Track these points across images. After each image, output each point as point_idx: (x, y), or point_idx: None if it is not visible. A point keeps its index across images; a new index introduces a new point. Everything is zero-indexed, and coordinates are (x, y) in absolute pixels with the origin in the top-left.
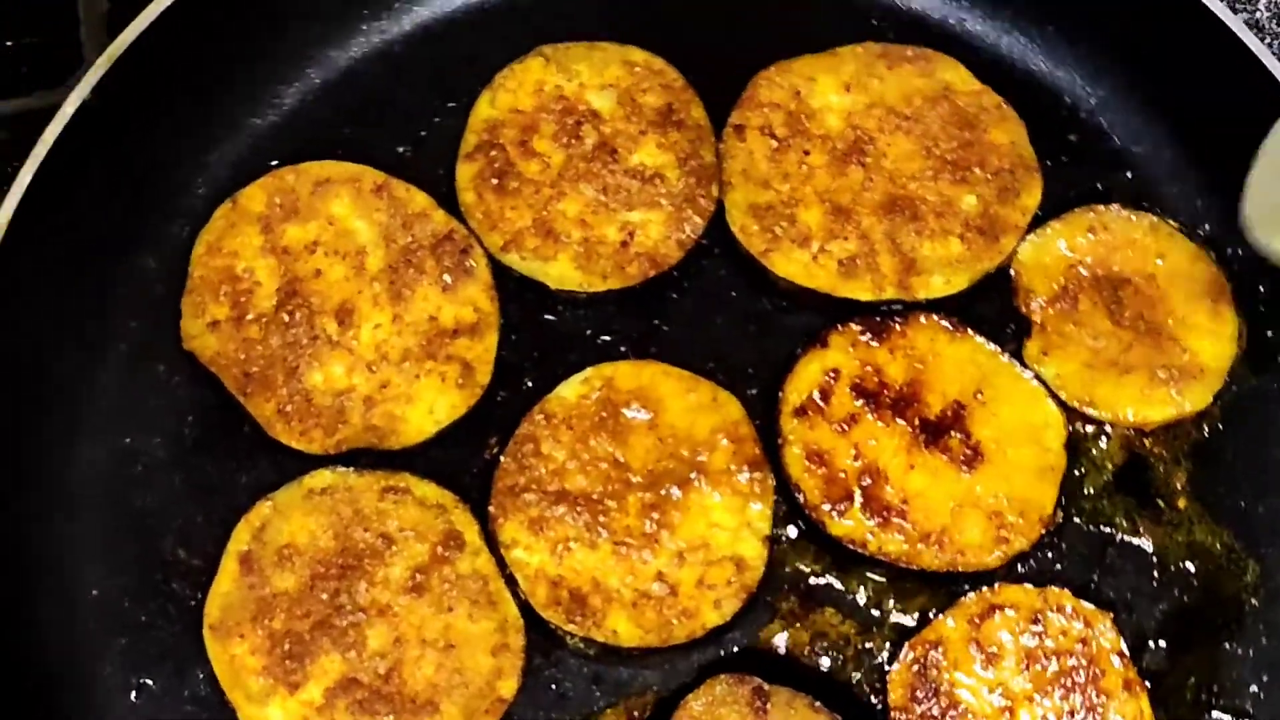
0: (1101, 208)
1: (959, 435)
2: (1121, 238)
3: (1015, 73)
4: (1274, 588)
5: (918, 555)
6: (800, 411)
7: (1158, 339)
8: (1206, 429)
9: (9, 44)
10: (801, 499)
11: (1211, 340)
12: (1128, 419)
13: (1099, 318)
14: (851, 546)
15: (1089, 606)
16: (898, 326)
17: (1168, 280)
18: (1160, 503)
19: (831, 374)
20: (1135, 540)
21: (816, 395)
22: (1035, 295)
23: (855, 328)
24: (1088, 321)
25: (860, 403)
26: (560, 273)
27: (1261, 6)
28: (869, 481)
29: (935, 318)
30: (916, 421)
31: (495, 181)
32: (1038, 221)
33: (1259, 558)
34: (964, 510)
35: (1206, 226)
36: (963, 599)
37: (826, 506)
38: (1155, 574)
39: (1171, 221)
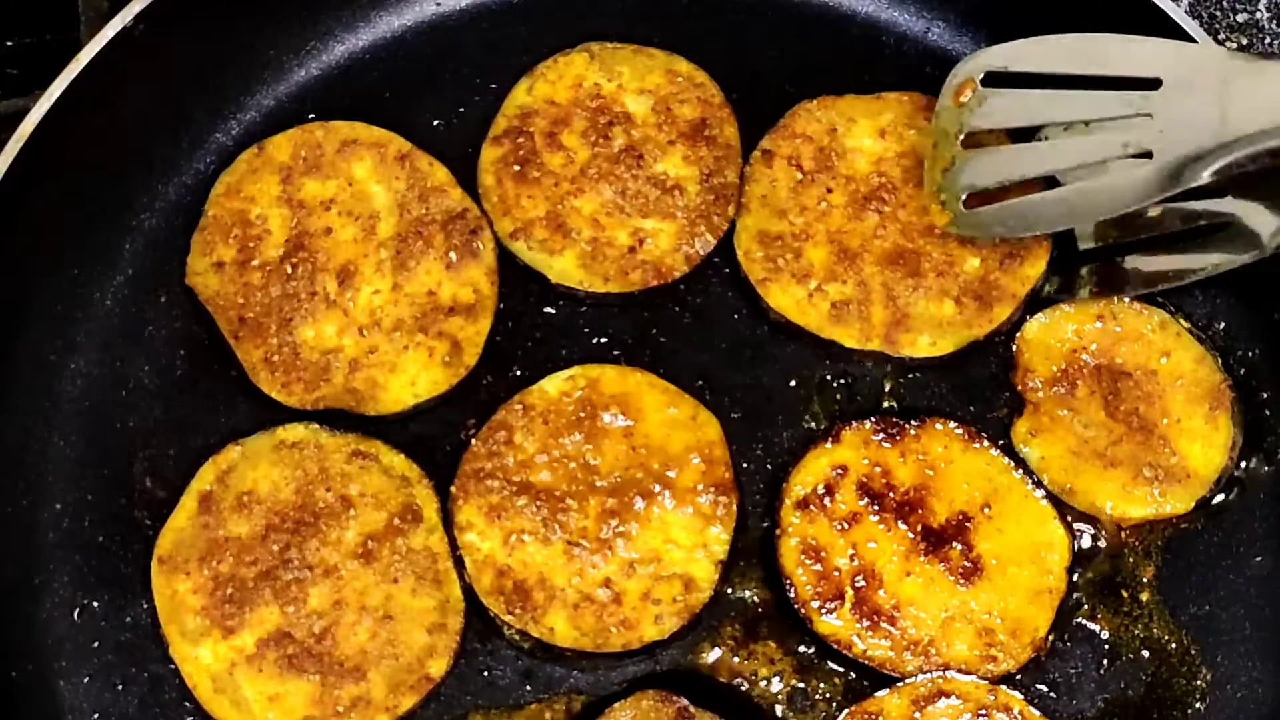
0: (1114, 298)
1: (960, 547)
2: (1130, 330)
3: None
4: (1222, 697)
5: (902, 663)
6: (803, 504)
7: (1149, 437)
8: (1184, 529)
9: (9, 44)
10: (792, 593)
11: (1203, 446)
12: (1106, 512)
13: (1094, 407)
14: (836, 646)
15: (1036, 714)
16: (912, 430)
17: (1169, 380)
18: (1123, 593)
19: (839, 470)
20: (1090, 625)
21: (821, 490)
22: (1034, 375)
23: (869, 426)
24: (1082, 409)
25: (864, 503)
26: (563, 268)
27: (1262, 7)
28: (863, 583)
29: (951, 425)
30: (919, 528)
31: (517, 168)
32: (1051, 301)
33: (1213, 665)
34: (955, 623)
35: (1222, 326)
36: (913, 679)
37: (816, 604)
38: (1104, 662)
39: (1183, 321)
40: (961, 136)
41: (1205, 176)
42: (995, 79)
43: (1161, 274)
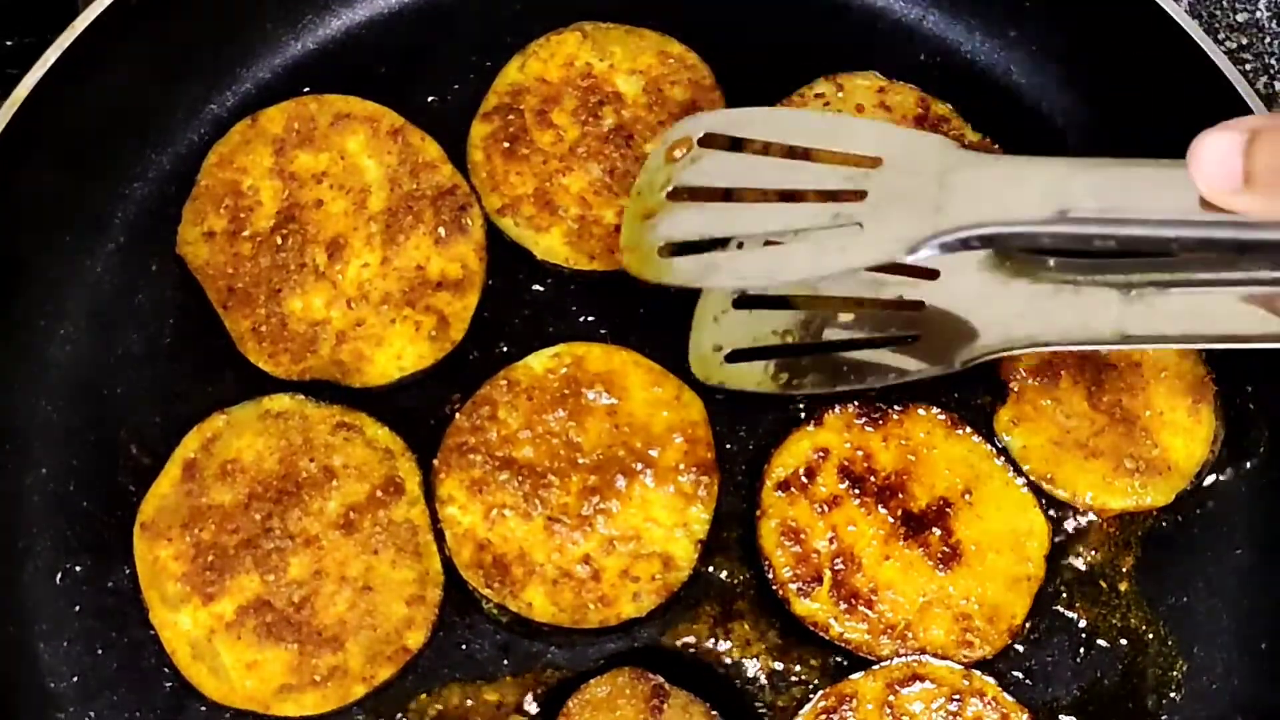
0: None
1: (940, 532)
2: None
3: (1054, 132)
4: (1198, 688)
5: (878, 646)
6: (783, 486)
7: (1130, 429)
8: (1164, 520)
9: (9, 43)
10: (770, 574)
11: (1185, 439)
12: (1086, 502)
13: (1077, 398)
14: (813, 628)
15: (1010, 699)
16: (894, 415)
17: (1152, 372)
18: (1102, 582)
19: (820, 453)
20: (1068, 613)
21: (802, 472)
22: (1018, 364)
23: (852, 410)
24: (1065, 399)
25: (845, 486)
26: (549, 245)
27: (1262, 6)
28: (842, 565)
29: (934, 411)
30: (899, 512)
31: (506, 145)
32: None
33: (1189, 656)
34: (932, 608)
35: None
36: (889, 662)
37: (794, 585)
38: (1081, 650)
39: None
40: (667, 190)
41: (910, 256)
42: (713, 141)
43: (868, 366)
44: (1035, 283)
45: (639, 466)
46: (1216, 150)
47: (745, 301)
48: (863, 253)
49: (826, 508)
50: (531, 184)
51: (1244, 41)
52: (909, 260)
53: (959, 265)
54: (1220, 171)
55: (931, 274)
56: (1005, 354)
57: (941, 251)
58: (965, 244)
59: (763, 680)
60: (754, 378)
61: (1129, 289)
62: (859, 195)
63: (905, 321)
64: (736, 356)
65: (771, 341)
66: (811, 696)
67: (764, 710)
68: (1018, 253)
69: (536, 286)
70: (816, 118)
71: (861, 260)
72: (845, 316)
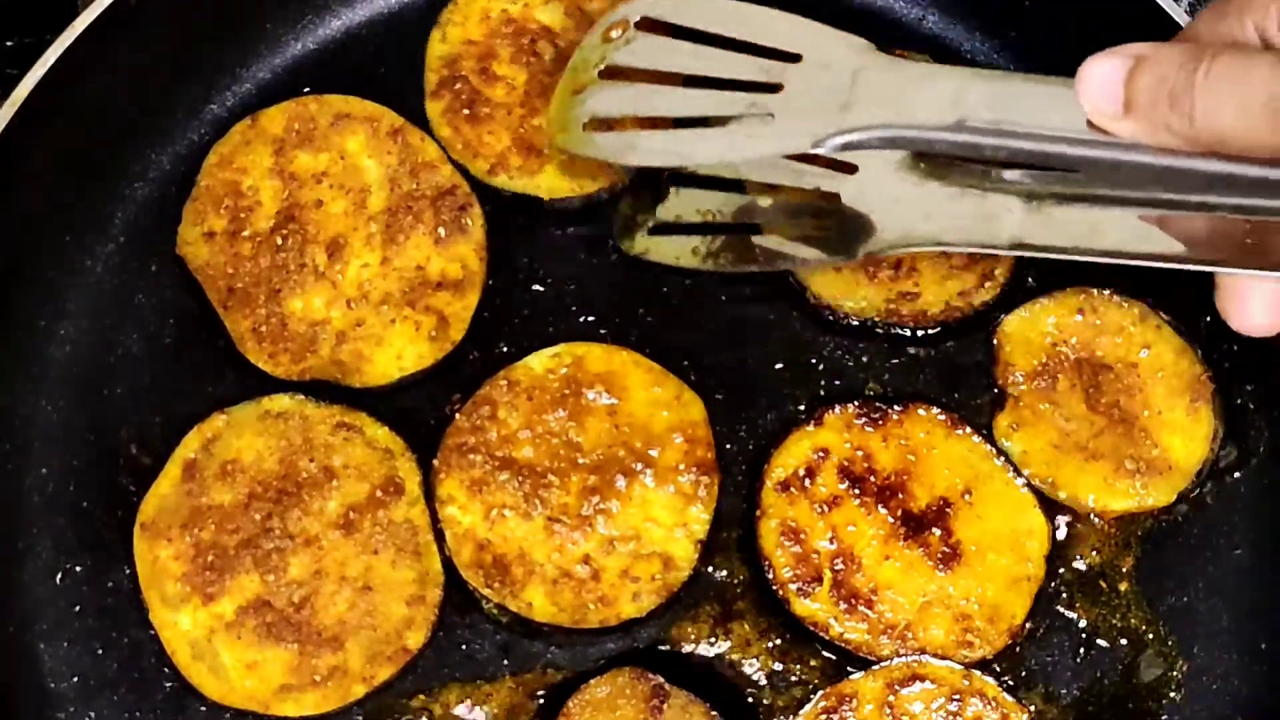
0: (1094, 291)
1: (940, 532)
2: (1110, 323)
3: None
4: (1198, 688)
5: (878, 646)
6: (783, 486)
7: (1130, 429)
8: (1164, 520)
9: (9, 44)
10: (770, 574)
11: (1184, 439)
12: (1088, 504)
13: (1075, 400)
14: (813, 628)
15: (1010, 699)
16: (894, 415)
17: (1149, 372)
18: (1102, 582)
19: (820, 453)
20: (1068, 613)
21: (802, 472)
22: (1015, 369)
23: (851, 410)
24: (1063, 402)
25: (845, 486)
26: (551, 185)
27: None
28: (841, 566)
29: (934, 411)
30: (899, 512)
31: (466, 112)
32: (1032, 293)
33: (1189, 656)
34: (932, 608)
35: (1208, 319)
36: (889, 663)
37: (794, 585)
38: (1081, 650)
39: (1163, 314)
40: (601, 68)
41: (815, 149)
42: (649, 26)
43: (776, 252)
44: (946, 185)
45: (639, 466)
46: (1100, 75)
47: (674, 180)
48: (769, 142)
49: (826, 508)
50: (506, 137)
51: None
52: (816, 152)
53: (877, 163)
54: (1102, 95)
55: (850, 168)
56: (905, 251)
57: (844, 149)
58: (867, 143)
59: (763, 680)
60: (673, 251)
61: (1032, 199)
62: (776, 87)
63: (819, 212)
64: (659, 229)
65: (696, 220)
66: (811, 696)
67: (764, 710)
68: (929, 155)
69: (536, 287)
70: (747, 10)
71: (767, 149)
72: (764, 201)
